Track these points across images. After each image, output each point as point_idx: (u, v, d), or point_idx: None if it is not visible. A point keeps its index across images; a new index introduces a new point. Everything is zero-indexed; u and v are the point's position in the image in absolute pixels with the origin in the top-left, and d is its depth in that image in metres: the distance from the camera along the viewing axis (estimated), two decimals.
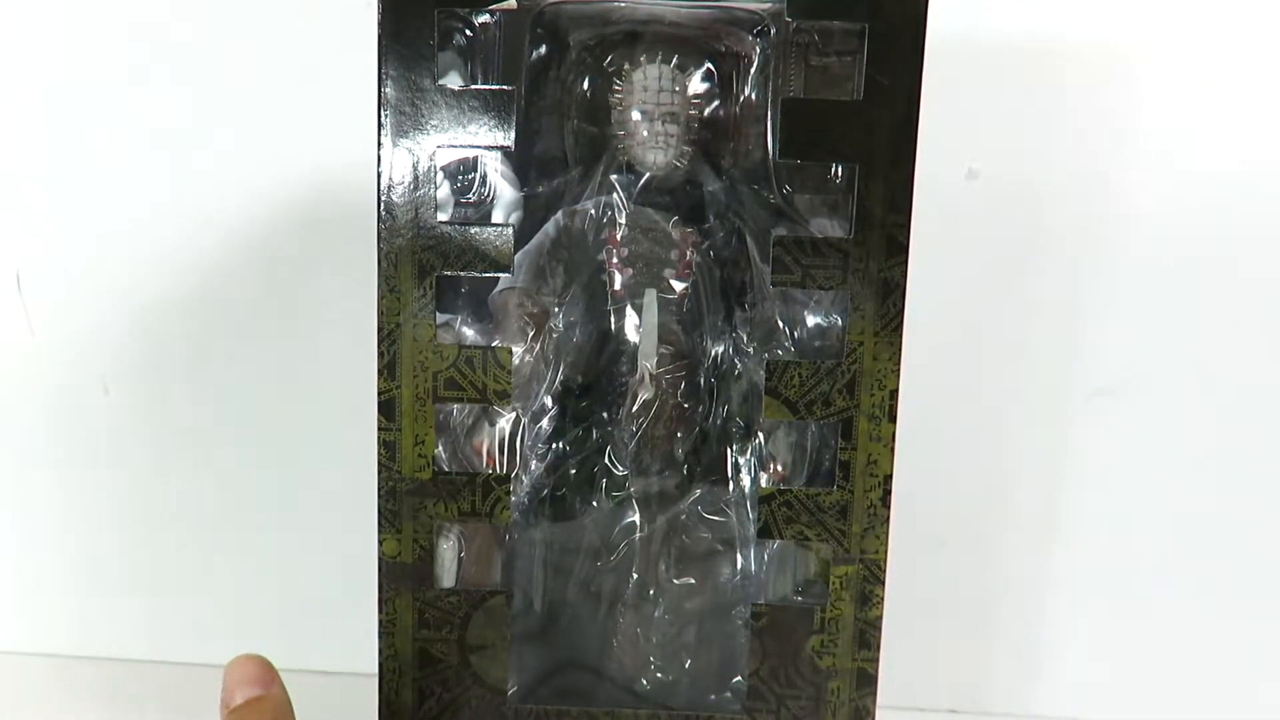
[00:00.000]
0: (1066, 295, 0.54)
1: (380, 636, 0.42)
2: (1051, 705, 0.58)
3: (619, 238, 0.44)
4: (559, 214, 0.44)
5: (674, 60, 0.42)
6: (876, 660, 0.42)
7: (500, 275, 0.41)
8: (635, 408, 0.44)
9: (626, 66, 0.42)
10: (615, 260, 0.44)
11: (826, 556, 0.41)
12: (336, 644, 0.57)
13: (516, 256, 0.41)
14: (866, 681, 0.42)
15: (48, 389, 0.58)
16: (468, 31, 0.41)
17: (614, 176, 0.44)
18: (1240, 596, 0.57)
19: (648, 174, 0.43)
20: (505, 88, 0.39)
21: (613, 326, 0.44)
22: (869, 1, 0.38)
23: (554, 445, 0.45)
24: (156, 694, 0.59)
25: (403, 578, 0.42)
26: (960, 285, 0.52)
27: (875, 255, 0.39)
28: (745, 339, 0.44)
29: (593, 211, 0.44)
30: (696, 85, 0.43)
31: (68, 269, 0.57)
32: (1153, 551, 0.57)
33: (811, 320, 0.44)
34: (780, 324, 0.45)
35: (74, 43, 0.55)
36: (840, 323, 0.43)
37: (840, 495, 0.41)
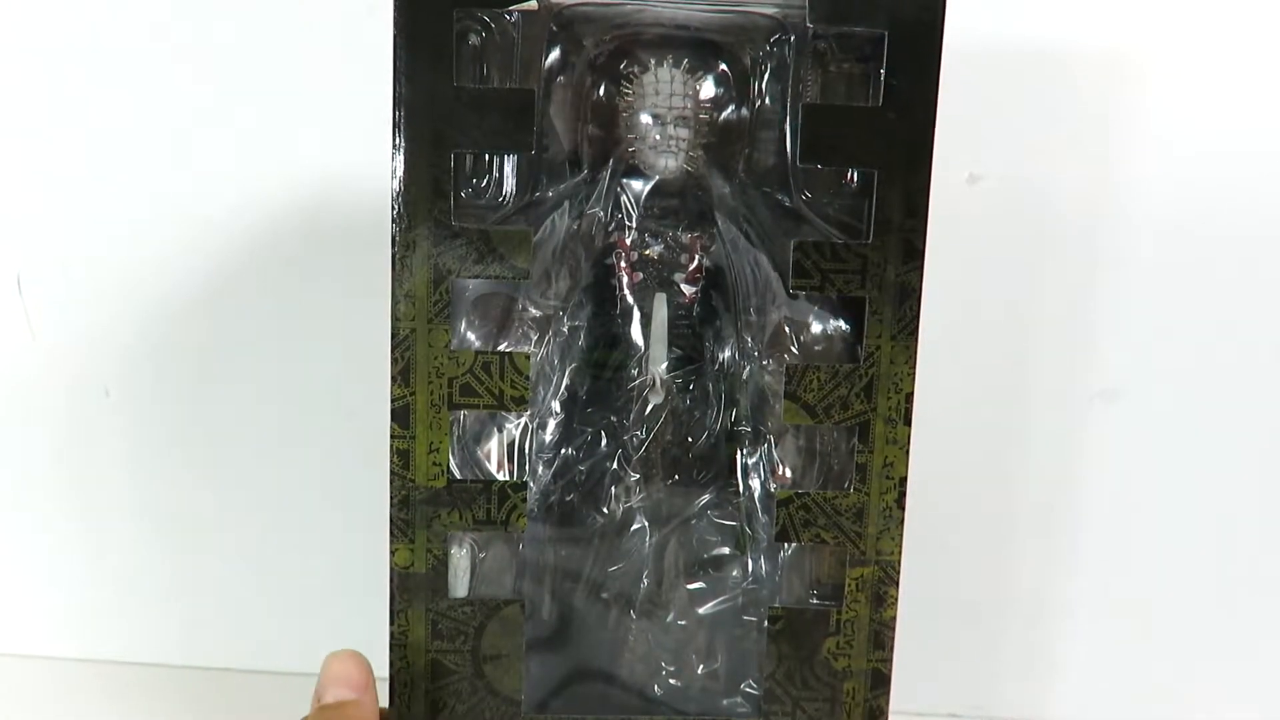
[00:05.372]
0: (1072, 298, 0.54)
1: (391, 649, 0.41)
2: (1053, 709, 0.58)
3: (628, 242, 0.44)
4: (565, 216, 0.44)
5: (686, 64, 0.42)
6: (890, 660, 0.42)
7: (520, 279, 0.40)
8: (646, 412, 0.44)
9: (638, 69, 0.42)
10: (624, 264, 0.44)
11: (843, 559, 0.42)
12: (340, 646, 0.57)
13: None
14: (880, 681, 0.42)
15: (49, 391, 0.58)
16: (484, 32, 0.40)
17: (623, 180, 0.43)
18: (1248, 600, 0.57)
19: (657, 178, 0.43)
20: (526, 89, 0.39)
21: (622, 331, 0.44)
22: (888, 8, 0.38)
23: (562, 451, 0.45)
24: (159, 695, 0.58)
25: (415, 589, 0.41)
26: (964, 289, 0.53)
27: (893, 260, 0.40)
28: (750, 343, 0.45)
29: (601, 215, 0.44)
30: (708, 89, 0.43)
31: (69, 271, 0.56)
32: (1157, 555, 0.57)
33: (817, 327, 0.45)
34: (786, 329, 0.45)
35: (76, 44, 0.54)
36: (844, 328, 0.43)
37: (857, 498, 0.41)
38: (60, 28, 0.54)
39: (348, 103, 0.51)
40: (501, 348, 0.42)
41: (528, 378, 0.40)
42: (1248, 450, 0.55)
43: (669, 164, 0.43)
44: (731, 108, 0.43)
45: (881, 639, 0.42)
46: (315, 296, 0.55)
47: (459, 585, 0.42)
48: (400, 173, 0.38)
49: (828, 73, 0.40)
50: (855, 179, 0.41)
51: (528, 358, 0.40)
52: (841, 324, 0.43)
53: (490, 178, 0.40)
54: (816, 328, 0.45)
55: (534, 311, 0.45)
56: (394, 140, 0.38)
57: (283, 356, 0.56)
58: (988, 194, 0.51)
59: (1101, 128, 0.52)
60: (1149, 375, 0.55)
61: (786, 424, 0.44)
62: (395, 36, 0.38)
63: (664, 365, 0.44)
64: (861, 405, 0.40)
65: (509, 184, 0.41)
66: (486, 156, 0.40)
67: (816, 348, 0.44)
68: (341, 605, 0.56)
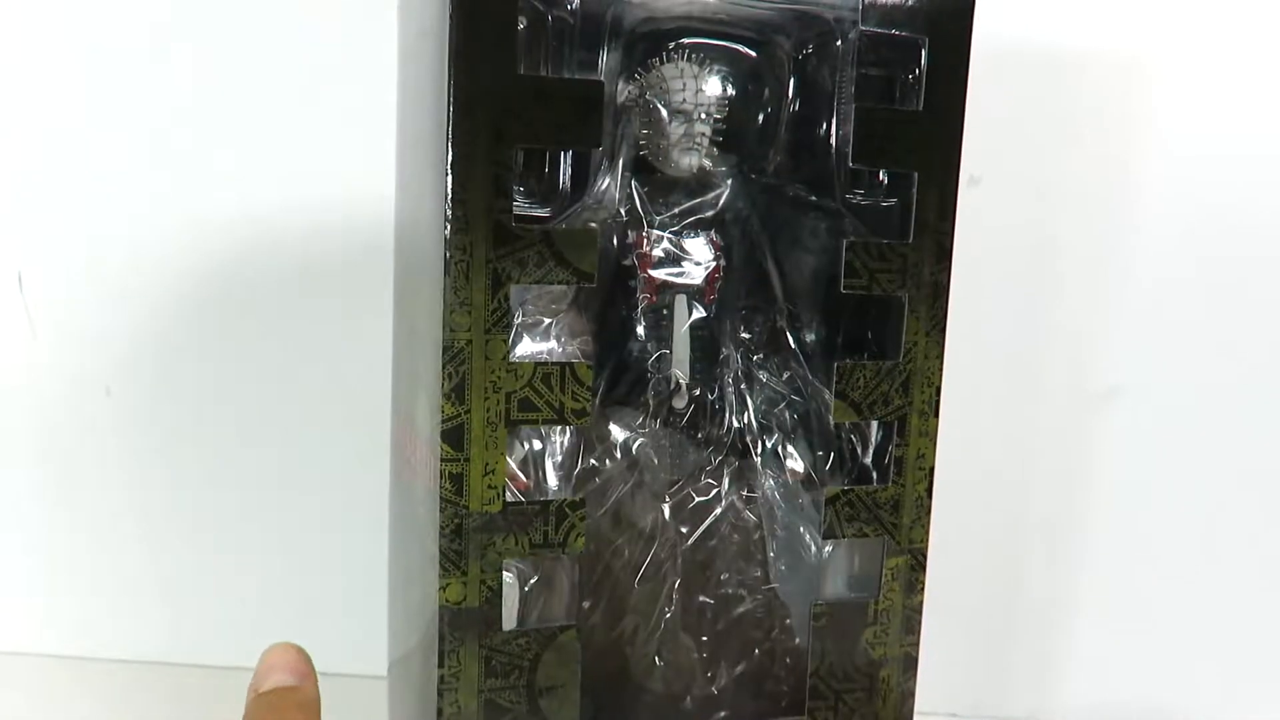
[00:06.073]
0: (1076, 298, 0.55)
1: (441, 694, 0.37)
2: (1054, 709, 0.60)
3: (646, 241, 0.42)
4: (585, 218, 0.41)
5: (710, 60, 0.41)
6: (918, 643, 0.44)
7: (585, 284, 0.37)
8: (670, 416, 0.43)
9: (661, 63, 0.41)
10: (642, 265, 0.42)
11: (879, 551, 0.43)
12: (339, 646, 0.54)
13: None
14: (910, 665, 0.44)
15: (49, 390, 0.57)
16: (531, 19, 0.37)
17: (639, 177, 0.42)
18: (1253, 602, 0.57)
19: (676, 175, 0.42)
20: (595, 79, 0.36)
21: (641, 333, 0.43)
22: (927, 14, 0.40)
23: (579, 460, 0.42)
24: (158, 695, 0.58)
25: (468, 625, 0.37)
26: (964, 289, 0.55)
27: (928, 260, 0.41)
28: (762, 341, 0.45)
29: (616, 213, 0.42)
30: (732, 86, 0.42)
31: (69, 270, 0.56)
32: (1161, 557, 0.57)
33: (810, 333, 0.45)
34: (787, 331, 0.45)
35: (77, 45, 0.53)
36: (824, 335, 0.44)
37: (894, 490, 0.42)
38: (61, 29, 0.53)
39: (351, 104, 0.50)
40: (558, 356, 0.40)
41: (589, 389, 0.38)
42: (1258, 451, 0.56)
43: (692, 162, 0.42)
44: (752, 105, 0.42)
45: (912, 624, 0.43)
46: (316, 297, 0.54)
47: (507, 615, 0.39)
48: (456, 170, 0.35)
49: (860, 75, 0.41)
50: (886, 180, 0.42)
51: (589, 367, 0.38)
52: (823, 331, 0.45)
53: (558, 175, 0.37)
54: (810, 334, 0.45)
55: (537, 315, 0.42)
56: (448, 134, 0.35)
57: (283, 356, 0.55)
58: (988, 194, 0.53)
59: (1104, 128, 0.54)
60: (1154, 375, 0.56)
61: (797, 422, 0.45)
62: (452, 19, 0.34)
63: (686, 367, 0.43)
64: (900, 400, 0.42)
65: (564, 182, 0.38)
66: (554, 152, 0.37)
67: (816, 348, 0.45)
68: (341, 606, 0.56)
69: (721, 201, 0.43)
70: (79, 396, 0.57)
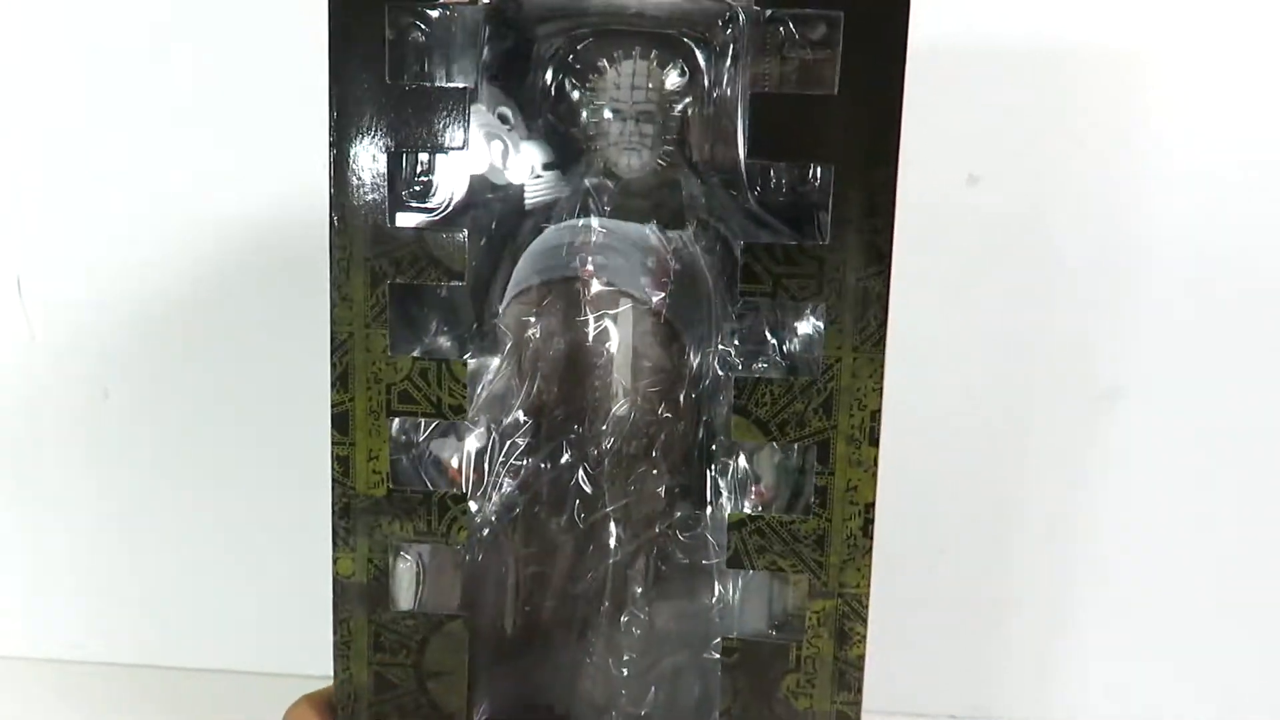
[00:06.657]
0: (1076, 298, 0.53)
1: (335, 660, 0.40)
2: (1053, 710, 0.57)
3: (594, 245, 0.42)
4: (532, 220, 0.42)
5: (649, 56, 0.40)
6: (858, 703, 0.38)
7: (454, 283, 0.38)
8: (609, 424, 0.42)
9: (599, 63, 0.40)
10: (589, 269, 0.42)
11: (803, 589, 0.38)
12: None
13: (476, 264, 0.39)
14: None
15: (48, 393, 0.58)
16: (423, 26, 0.39)
17: (589, 180, 0.41)
18: (1249, 603, 0.55)
19: (625, 177, 0.41)
20: (461, 86, 0.37)
21: (588, 338, 0.42)
22: None
23: (526, 462, 0.43)
24: (154, 698, 0.58)
25: (358, 599, 0.40)
26: (965, 289, 0.50)
27: (853, 263, 0.36)
28: (732, 352, 0.42)
29: (566, 218, 0.42)
30: (672, 82, 0.40)
31: (68, 273, 0.56)
32: (1158, 558, 0.55)
33: (803, 330, 0.41)
34: (769, 336, 0.42)
35: (77, 45, 0.55)
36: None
37: (817, 523, 0.37)
38: (61, 29, 0.55)
39: None
40: (440, 354, 0.41)
41: (465, 385, 0.39)
42: (1253, 452, 0.54)
43: (632, 161, 0.41)
44: (695, 101, 0.40)
45: (847, 680, 0.38)
46: (317, 297, 0.55)
47: (404, 597, 0.41)
48: (335, 173, 0.38)
49: (786, 60, 0.37)
50: (817, 175, 0.37)
51: (465, 364, 0.39)
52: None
53: (432, 178, 0.39)
54: (803, 332, 0.41)
55: (507, 318, 0.43)
56: (330, 139, 0.38)
57: (284, 357, 0.56)
58: (988, 194, 0.48)
59: (1103, 127, 0.50)
60: (1153, 376, 0.53)
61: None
62: (330, 34, 0.37)
63: (629, 375, 0.42)
64: (820, 423, 0.37)
65: (453, 184, 0.39)
66: (430, 156, 0.38)
67: (806, 355, 0.41)
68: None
69: (675, 200, 0.41)
70: (78, 399, 0.57)
